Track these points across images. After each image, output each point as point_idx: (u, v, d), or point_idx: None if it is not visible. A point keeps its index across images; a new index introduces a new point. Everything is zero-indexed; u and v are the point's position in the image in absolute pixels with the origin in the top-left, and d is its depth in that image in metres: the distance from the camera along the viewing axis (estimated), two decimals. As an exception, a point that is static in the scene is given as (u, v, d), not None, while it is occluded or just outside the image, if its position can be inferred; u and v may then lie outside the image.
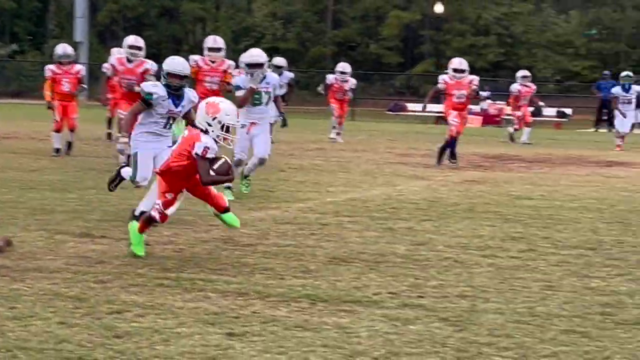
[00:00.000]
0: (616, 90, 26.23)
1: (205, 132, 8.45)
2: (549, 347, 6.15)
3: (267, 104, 13.18)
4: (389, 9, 68.64)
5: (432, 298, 7.43)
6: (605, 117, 37.50)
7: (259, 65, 12.98)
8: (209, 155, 8.36)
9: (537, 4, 71.87)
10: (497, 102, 41.44)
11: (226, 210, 8.79)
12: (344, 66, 25.68)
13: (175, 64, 10.24)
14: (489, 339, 6.31)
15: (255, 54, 13.16)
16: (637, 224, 11.47)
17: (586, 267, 8.75)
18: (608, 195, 14.41)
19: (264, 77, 13.07)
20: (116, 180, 10.82)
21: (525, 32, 68.75)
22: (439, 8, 57.62)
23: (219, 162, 8.39)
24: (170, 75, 10.19)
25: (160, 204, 8.61)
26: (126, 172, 10.72)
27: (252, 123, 13.07)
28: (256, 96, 13.00)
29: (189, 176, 8.53)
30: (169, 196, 8.62)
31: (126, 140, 10.56)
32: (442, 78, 19.13)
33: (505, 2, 69.71)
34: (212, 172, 8.37)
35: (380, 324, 6.61)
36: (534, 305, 7.26)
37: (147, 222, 8.71)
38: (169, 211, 8.66)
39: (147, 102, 10.24)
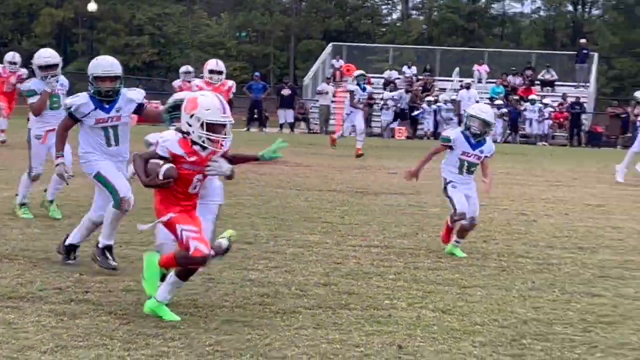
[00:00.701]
0: (354, 87, 25.04)
1: (187, 133, 6.85)
2: (213, 336, 6.43)
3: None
4: (41, 6, 67.22)
5: (98, 293, 7.53)
6: (257, 117, 38.81)
7: (54, 67, 11.62)
8: (158, 149, 6.84)
9: (189, 6, 72.82)
10: (152, 101, 41.64)
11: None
12: (13, 55, 23.50)
13: (101, 64, 8.49)
14: (155, 330, 6.51)
15: (48, 55, 11.73)
16: (291, 219, 12.05)
17: (245, 260, 9.14)
18: (263, 191, 15.02)
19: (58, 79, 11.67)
20: (70, 252, 8.80)
21: (177, 33, 69.50)
22: (92, 6, 56.99)
23: (166, 166, 6.81)
24: (97, 79, 8.42)
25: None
26: (74, 237, 8.74)
27: (50, 131, 11.24)
28: (54, 99, 11.62)
29: (185, 184, 6.95)
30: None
31: (61, 160, 8.75)
32: (196, 84, 16.95)
33: (158, 2, 70.11)
34: (160, 176, 6.79)
35: (48, 318, 6.65)
36: (197, 297, 7.53)
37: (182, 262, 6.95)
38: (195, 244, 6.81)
39: (71, 115, 8.51)
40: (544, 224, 12.59)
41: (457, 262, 9.63)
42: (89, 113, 8.40)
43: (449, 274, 9.00)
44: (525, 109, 39.08)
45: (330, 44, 49.37)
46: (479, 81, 43.66)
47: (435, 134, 39.58)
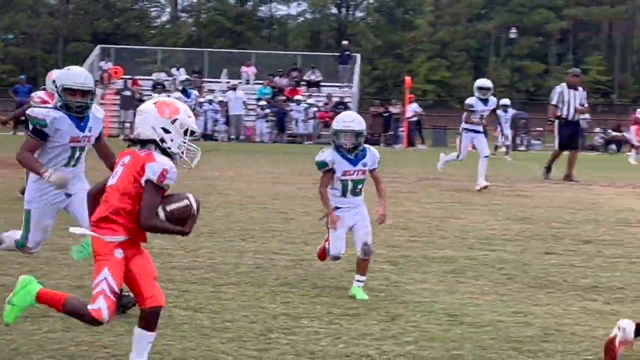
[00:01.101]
0: (178, 95, 23.98)
1: (161, 142, 5.87)
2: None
3: None
4: None
5: None
6: (23, 120, 37.96)
7: None
8: (169, 181, 5.77)
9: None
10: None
11: (151, 313, 5.81)
12: None
13: (73, 75, 7.58)
14: None
15: None
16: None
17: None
18: (19, 195, 14.72)
19: None
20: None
21: None
22: None
23: (179, 203, 5.79)
24: (67, 91, 7.53)
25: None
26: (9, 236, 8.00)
27: None
28: None
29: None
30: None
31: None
32: (38, 95, 14.75)
33: None
34: (161, 214, 5.77)
35: None
36: (-55, 305, 7.41)
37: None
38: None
39: (40, 133, 7.55)
40: (302, 221, 12.95)
41: (213, 261, 9.80)
42: (63, 127, 7.54)
43: (204, 272, 9.16)
44: (291, 109, 39.85)
45: (98, 46, 48.76)
46: (247, 82, 44.19)
47: (205, 135, 39.81)
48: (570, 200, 16.77)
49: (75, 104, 7.52)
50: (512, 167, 26.14)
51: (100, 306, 5.66)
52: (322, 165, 8.49)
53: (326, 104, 41.27)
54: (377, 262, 9.96)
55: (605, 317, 7.86)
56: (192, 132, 5.95)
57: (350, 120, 8.53)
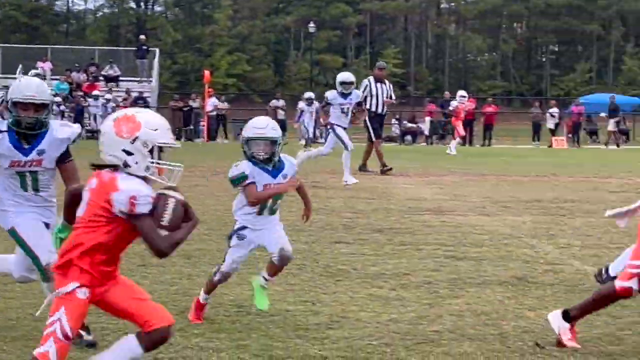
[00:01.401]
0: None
1: (125, 166, 5.13)
2: None
3: None
4: None
5: None
6: None
7: None
8: (142, 207, 5.03)
9: None
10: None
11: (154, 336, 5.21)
12: None
13: (23, 87, 6.58)
14: None
15: None
16: None
17: None
18: None
19: None
20: None
21: None
22: None
23: (165, 209, 5.07)
24: (19, 105, 6.55)
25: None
26: None
27: None
28: None
29: (114, 257, 5.23)
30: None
31: None
32: None
33: None
34: (163, 232, 5.09)
35: None
36: None
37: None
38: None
39: None
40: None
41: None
42: (3, 153, 6.60)
43: (-9, 273, 8.94)
44: (89, 105, 39.32)
45: None
46: (43, 78, 43.23)
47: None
48: (363, 190, 17.18)
49: (26, 121, 6.54)
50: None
51: (49, 349, 5.00)
52: (241, 179, 7.31)
53: (125, 99, 40.88)
54: (169, 257, 9.92)
55: (390, 302, 8.14)
56: (160, 149, 5.18)
57: (263, 126, 7.30)
